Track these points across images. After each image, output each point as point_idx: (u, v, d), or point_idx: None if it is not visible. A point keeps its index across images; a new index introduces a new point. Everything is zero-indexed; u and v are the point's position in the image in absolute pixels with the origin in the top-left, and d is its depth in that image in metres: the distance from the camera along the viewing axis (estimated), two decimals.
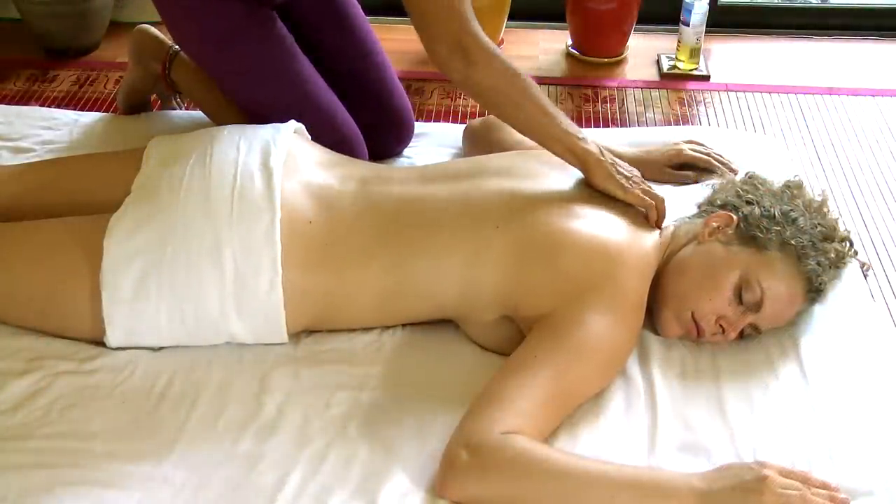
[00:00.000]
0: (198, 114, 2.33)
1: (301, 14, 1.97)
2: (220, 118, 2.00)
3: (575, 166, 1.57)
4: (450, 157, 2.03)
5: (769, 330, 1.49)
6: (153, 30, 2.13)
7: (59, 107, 2.41)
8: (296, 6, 1.95)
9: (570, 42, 2.87)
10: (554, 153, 1.59)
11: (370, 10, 2.15)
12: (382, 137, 2.03)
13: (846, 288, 1.58)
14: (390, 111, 2.04)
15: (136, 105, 2.26)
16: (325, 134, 1.74)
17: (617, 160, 1.59)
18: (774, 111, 2.53)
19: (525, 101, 1.57)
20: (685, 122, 2.49)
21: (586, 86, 2.66)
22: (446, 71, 1.58)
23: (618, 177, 1.55)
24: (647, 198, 1.55)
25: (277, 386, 1.43)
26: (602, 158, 1.56)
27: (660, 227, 1.57)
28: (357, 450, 1.33)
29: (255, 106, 1.89)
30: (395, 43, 2.54)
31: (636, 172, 1.60)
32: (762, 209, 1.48)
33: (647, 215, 1.55)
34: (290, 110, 1.72)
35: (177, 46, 2.07)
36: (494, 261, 1.44)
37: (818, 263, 1.46)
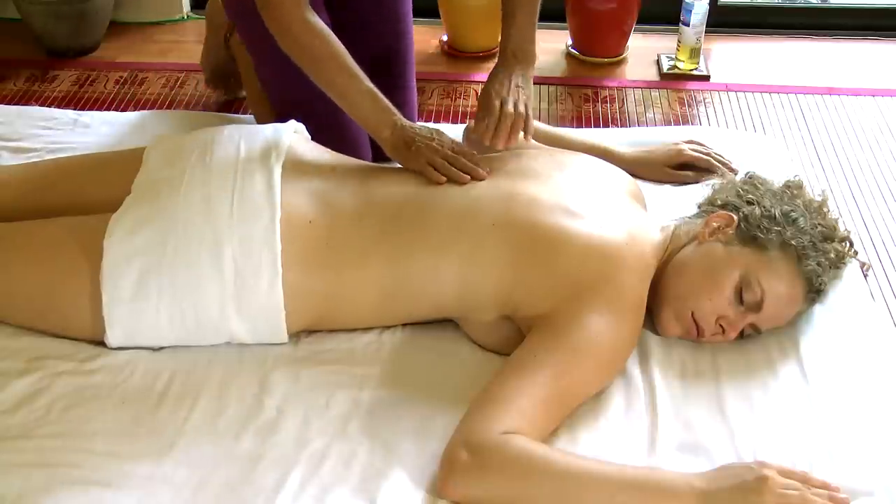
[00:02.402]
0: (198, 114, 2.34)
1: (346, 6, 1.95)
2: (254, 106, 2.06)
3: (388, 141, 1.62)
4: None
5: (769, 330, 1.49)
6: None
7: (59, 107, 2.40)
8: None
9: (570, 42, 2.86)
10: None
11: None
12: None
13: (846, 288, 1.58)
14: (409, 112, 2.03)
15: (217, 73, 2.34)
16: (332, 128, 1.73)
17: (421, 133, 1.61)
18: (774, 111, 2.53)
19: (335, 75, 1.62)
20: (685, 122, 2.49)
21: (586, 86, 2.66)
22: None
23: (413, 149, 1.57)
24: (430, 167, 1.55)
25: (277, 386, 1.43)
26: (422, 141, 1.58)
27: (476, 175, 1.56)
28: (357, 450, 1.33)
29: (271, 87, 1.88)
30: None
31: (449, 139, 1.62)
32: (762, 209, 1.48)
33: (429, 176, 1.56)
34: (314, 106, 1.71)
35: None
36: (493, 260, 1.44)
37: (818, 264, 1.46)
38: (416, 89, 2.10)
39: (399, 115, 1.63)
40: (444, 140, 1.61)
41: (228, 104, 2.44)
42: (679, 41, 2.70)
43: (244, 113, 2.35)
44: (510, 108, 1.65)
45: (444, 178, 1.54)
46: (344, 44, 1.67)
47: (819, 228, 1.49)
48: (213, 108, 2.43)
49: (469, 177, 1.54)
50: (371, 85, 1.63)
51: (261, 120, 2.05)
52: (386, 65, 1.98)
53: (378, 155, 1.95)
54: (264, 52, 1.87)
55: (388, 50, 2.01)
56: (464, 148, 1.61)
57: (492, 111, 1.67)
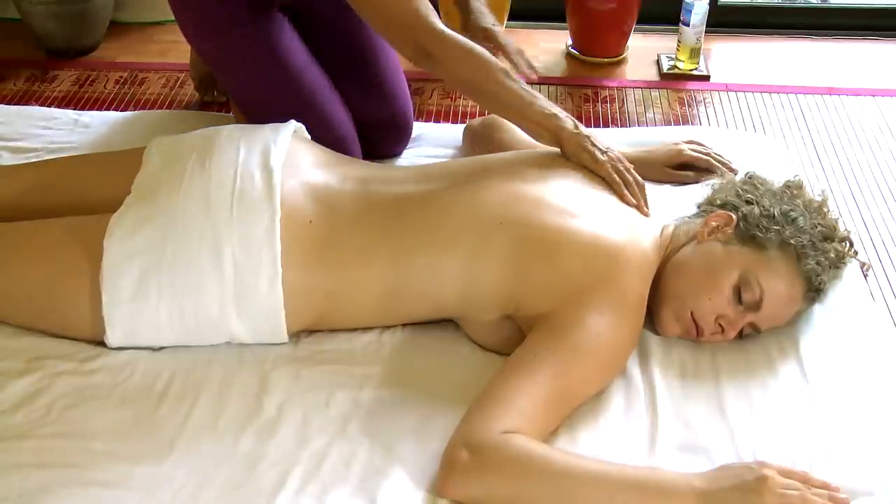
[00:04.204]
0: (198, 114, 2.34)
1: (312, 14, 1.96)
2: (235, 108, 2.08)
3: (549, 142, 1.61)
4: (450, 157, 2.03)
5: (769, 329, 1.49)
6: None
7: (59, 107, 2.40)
8: (306, 7, 1.95)
9: (570, 42, 2.87)
10: (528, 132, 1.63)
11: None
12: (380, 138, 2.03)
13: (846, 288, 1.58)
14: (392, 112, 2.04)
15: (205, 81, 2.37)
16: (319, 134, 1.74)
17: (592, 134, 1.61)
18: (774, 111, 2.53)
19: (496, 87, 1.60)
20: (685, 122, 2.49)
21: (586, 86, 2.66)
22: (420, 67, 1.65)
23: (592, 149, 1.58)
24: (616, 175, 1.57)
25: (277, 386, 1.43)
26: (576, 132, 1.59)
27: (642, 211, 1.57)
28: (357, 449, 1.33)
29: (245, 102, 1.90)
30: None
31: (616, 152, 1.62)
32: (762, 209, 1.48)
33: (617, 192, 1.56)
34: (279, 108, 1.73)
35: None
36: (495, 260, 1.44)
37: (818, 263, 1.46)
38: (402, 92, 2.09)
39: (562, 116, 1.60)
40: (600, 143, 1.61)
41: (227, 104, 2.44)
42: (679, 41, 2.70)
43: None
44: (613, 173, 1.60)
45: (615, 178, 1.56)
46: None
47: (819, 228, 1.49)
48: (212, 108, 2.43)
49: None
50: (524, 89, 1.61)
51: (239, 122, 2.06)
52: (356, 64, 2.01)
53: (368, 153, 1.96)
54: (222, 65, 1.93)
55: (358, 49, 2.02)
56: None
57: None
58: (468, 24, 1.89)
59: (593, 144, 1.58)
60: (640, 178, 1.60)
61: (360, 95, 1.97)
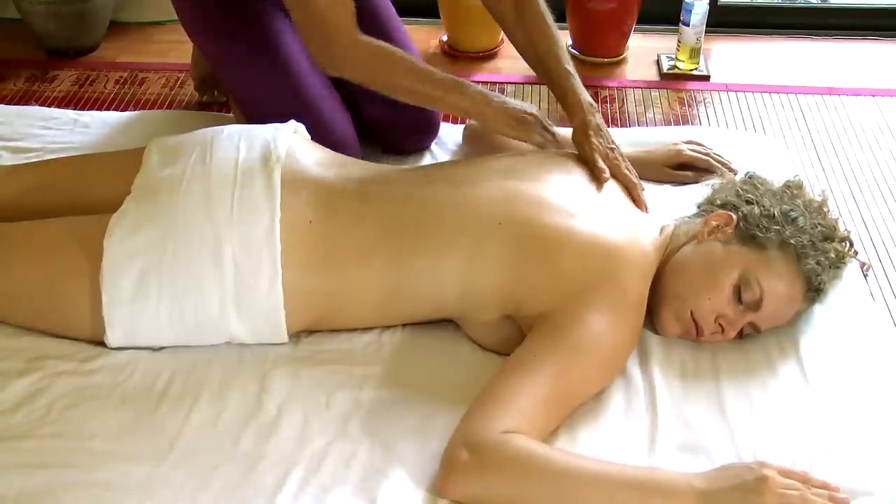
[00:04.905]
0: (198, 114, 2.34)
1: None
2: (235, 108, 2.08)
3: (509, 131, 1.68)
4: (450, 158, 2.03)
5: (769, 329, 1.49)
6: None
7: (59, 107, 2.40)
8: None
9: (570, 42, 2.86)
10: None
11: None
12: (411, 135, 2.04)
13: (846, 288, 1.58)
14: (423, 110, 2.04)
15: (206, 81, 2.36)
16: (318, 136, 1.74)
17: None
18: (774, 111, 2.53)
19: (413, 83, 1.65)
20: (685, 122, 2.49)
21: (586, 86, 2.60)
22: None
23: (519, 125, 1.67)
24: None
25: (277, 386, 1.43)
26: (526, 116, 1.65)
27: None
28: (357, 450, 1.33)
29: (245, 101, 1.90)
30: None
31: (613, 144, 1.67)
32: (762, 209, 1.48)
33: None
34: (277, 109, 1.73)
35: None
36: (494, 260, 1.44)
37: (818, 263, 1.46)
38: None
39: (491, 93, 1.66)
40: (537, 110, 1.68)
41: (227, 104, 2.44)
42: (679, 41, 2.70)
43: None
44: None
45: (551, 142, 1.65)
46: None
47: (819, 228, 1.49)
48: (212, 108, 2.43)
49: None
50: (447, 76, 1.66)
51: (240, 122, 2.06)
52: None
53: (395, 148, 1.97)
54: (225, 66, 1.94)
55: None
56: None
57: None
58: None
59: (543, 128, 1.66)
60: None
61: (390, 98, 1.98)
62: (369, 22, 1.90)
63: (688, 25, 2.64)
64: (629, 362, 1.46)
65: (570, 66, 1.77)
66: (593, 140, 1.64)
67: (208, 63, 2.09)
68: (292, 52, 1.89)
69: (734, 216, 1.48)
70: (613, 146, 1.66)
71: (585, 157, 1.63)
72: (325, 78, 1.93)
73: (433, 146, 2.09)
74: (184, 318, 1.44)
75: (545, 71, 1.79)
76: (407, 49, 2.01)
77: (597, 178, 1.58)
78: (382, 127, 2.03)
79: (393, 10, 2.08)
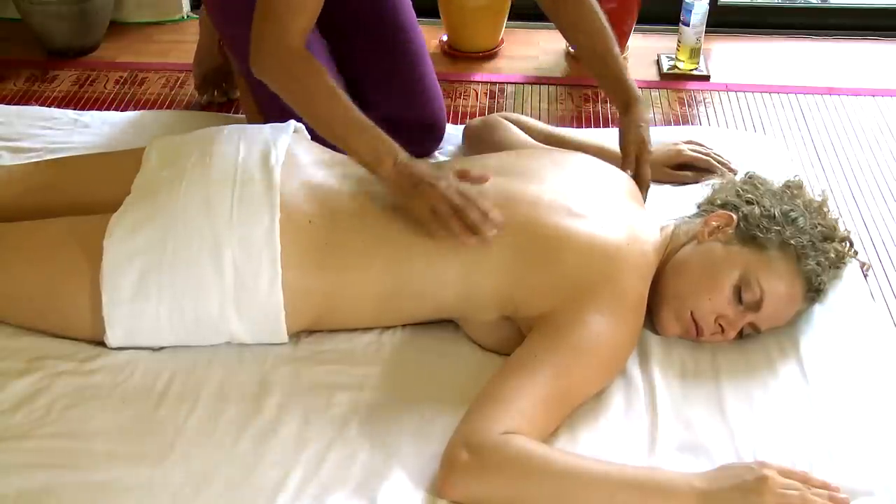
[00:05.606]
0: (198, 114, 2.34)
1: (348, 15, 1.96)
2: (246, 106, 2.07)
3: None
4: (450, 158, 2.03)
5: (769, 330, 1.49)
6: None
7: (59, 107, 2.40)
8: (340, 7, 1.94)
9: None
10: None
11: None
12: (418, 138, 2.03)
13: (846, 288, 1.58)
14: (431, 112, 2.04)
15: (208, 78, 2.34)
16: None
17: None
18: (774, 111, 2.53)
19: (326, 110, 1.53)
20: (685, 122, 2.49)
21: (586, 86, 2.66)
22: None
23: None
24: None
25: (277, 386, 1.43)
26: (428, 184, 1.44)
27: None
28: (357, 450, 1.33)
29: (256, 84, 1.90)
30: None
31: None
32: (762, 209, 1.48)
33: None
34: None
35: None
36: (494, 261, 1.44)
37: (818, 263, 1.46)
38: (439, 95, 2.08)
39: (402, 151, 1.50)
40: (451, 182, 1.45)
41: (227, 104, 2.44)
42: (679, 41, 2.70)
43: (242, 113, 2.35)
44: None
45: (443, 234, 1.41)
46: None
47: (819, 228, 1.49)
48: (212, 108, 2.43)
49: (473, 240, 1.40)
50: (365, 118, 1.52)
51: (251, 120, 2.06)
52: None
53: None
54: (244, 50, 1.89)
55: (400, 54, 2.01)
56: (471, 190, 1.45)
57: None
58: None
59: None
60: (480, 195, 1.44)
61: (401, 100, 1.97)
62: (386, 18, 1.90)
63: (688, 25, 2.64)
64: (629, 362, 1.46)
65: (624, 63, 1.82)
66: (650, 146, 1.70)
67: (227, 48, 2.05)
68: (312, 41, 1.87)
69: (734, 216, 1.48)
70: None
71: (642, 162, 1.70)
72: (340, 76, 1.92)
73: None
74: (184, 318, 1.44)
75: (603, 66, 1.81)
76: (417, 54, 2.01)
77: (641, 184, 1.67)
78: (390, 129, 2.01)
79: (412, 14, 2.06)
